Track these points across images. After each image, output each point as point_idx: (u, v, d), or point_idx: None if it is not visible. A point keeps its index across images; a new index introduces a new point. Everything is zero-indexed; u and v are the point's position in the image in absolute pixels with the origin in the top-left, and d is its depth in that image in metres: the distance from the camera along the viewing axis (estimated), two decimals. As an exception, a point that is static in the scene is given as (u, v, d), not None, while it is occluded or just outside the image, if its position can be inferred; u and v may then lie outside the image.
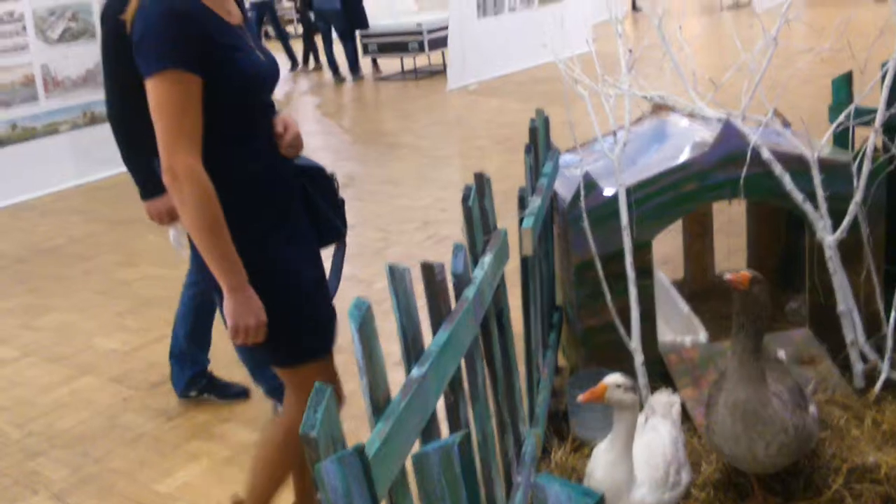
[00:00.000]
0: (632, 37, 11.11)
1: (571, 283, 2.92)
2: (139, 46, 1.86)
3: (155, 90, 1.85)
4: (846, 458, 2.28)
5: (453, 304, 1.72)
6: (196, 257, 2.02)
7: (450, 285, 1.72)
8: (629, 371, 2.75)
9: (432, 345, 1.52)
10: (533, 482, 0.88)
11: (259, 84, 2.03)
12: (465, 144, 7.71)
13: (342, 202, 2.22)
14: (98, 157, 7.21)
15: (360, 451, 1.01)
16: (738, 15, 14.32)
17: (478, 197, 2.03)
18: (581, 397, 2.15)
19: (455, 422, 1.69)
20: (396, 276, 1.43)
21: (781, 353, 2.58)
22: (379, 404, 1.29)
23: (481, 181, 2.07)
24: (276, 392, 3.17)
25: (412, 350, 1.47)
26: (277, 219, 2.04)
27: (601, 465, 2.17)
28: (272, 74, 2.07)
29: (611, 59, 3.03)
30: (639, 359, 2.75)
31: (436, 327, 1.60)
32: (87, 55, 7.38)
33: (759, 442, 2.02)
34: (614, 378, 2.13)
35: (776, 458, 2.05)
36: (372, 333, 1.29)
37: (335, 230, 2.20)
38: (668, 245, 4.23)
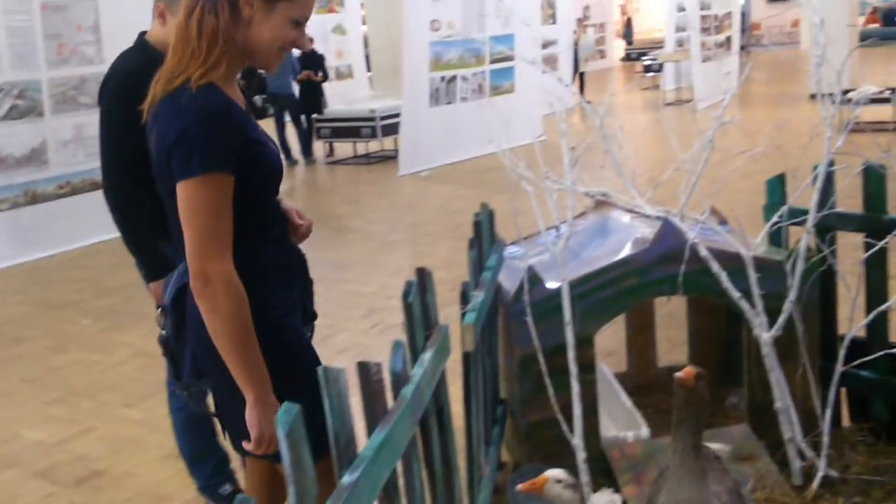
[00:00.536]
0: (581, 130, 11.40)
1: (515, 377, 2.92)
2: (176, 147, 1.80)
3: (192, 193, 1.79)
4: (785, 559, 2.28)
5: (391, 403, 1.70)
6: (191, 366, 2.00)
7: (388, 384, 1.71)
8: (572, 467, 2.73)
9: (366, 448, 1.49)
10: None
11: (281, 174, 2.03)
12: (415, 230, 7.76)
13: (311, 282, 2.22)
14: (37, 236, 7.10)
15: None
16: (680, 111, 14.82)
17: (419, 292, 2.04)
18: (520, 486, 2.14)
19: (390, 526, 1.65)
20: (330, 379, 1.42)
21: (721, 448, 2.59)
22: (307, 513, 1.26)
23: (423, 276, 2.08)
24: (208, 489, 3.08)
25: (344, 455, 1.45)
26: (294, 308, 2.04)
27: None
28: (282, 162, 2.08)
29: (559, 151, 3.10)
30: (581, 455, 2.74)
31: (371, 429, 1.58)
32: (32, 133, 7.34)
33: None
34: (556, 473, 2.12)
35: (716, 559, 2.04)
36: (301, 439, 1.26)
37: (312, 314, 2.19)
38: (612, 338, 4.27)
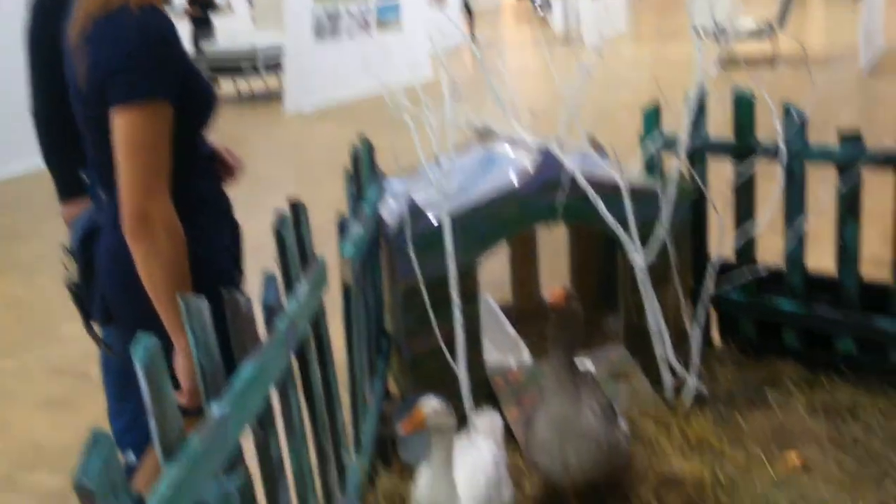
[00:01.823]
0: (469, 67, 11.35)
1: (399, 310, 2.92)
2: (118, 72, 1.64)
3: (134, 123, 1.65)
4: (655, 468, 2.39)
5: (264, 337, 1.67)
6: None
7: (260, 317, 1.68)
8: (457, 395, 2.78)
9: (235, 380, 1.46)
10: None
11: (216, 106, 1.90)
12: (300, 170, 7.62)
13: (239, 231, 2.15)
14: None
15: (138, 501, 0.95)
16: (569, 48, 14.96)
17: (293, 225, 2.00)
18: (402, 430, 2.16)
19: (266, 459, 1.64)
20: (192, 312, 1.38)
21: (590, 366, 2.68)
22: (170, 447, 1.23)
23: (296, 209, 2.03)
24: (119, 446, 2.95)
25: (212, 387, 1.42)
26: (223, 251, 1.96)
27: (422, 487, 2.17)
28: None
29: (455, 88, 3.07)
30: (465, 383, 2.78)
31: (241, 361, 1.55)
32: None
33: (573, 455, 2.07)
34: (431, 404, 2.15)
35: (588, 472, 2.12)
36: (160, 373, 1.22)
37: (241, 270, 2.14)
38: (496, 270, 4.33)
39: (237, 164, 2.07)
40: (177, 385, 1.73)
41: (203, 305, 1.39)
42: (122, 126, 1.67)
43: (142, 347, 1.20)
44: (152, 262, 1.69)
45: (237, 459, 1.44)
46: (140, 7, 1.69)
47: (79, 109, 1.81)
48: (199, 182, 1.90)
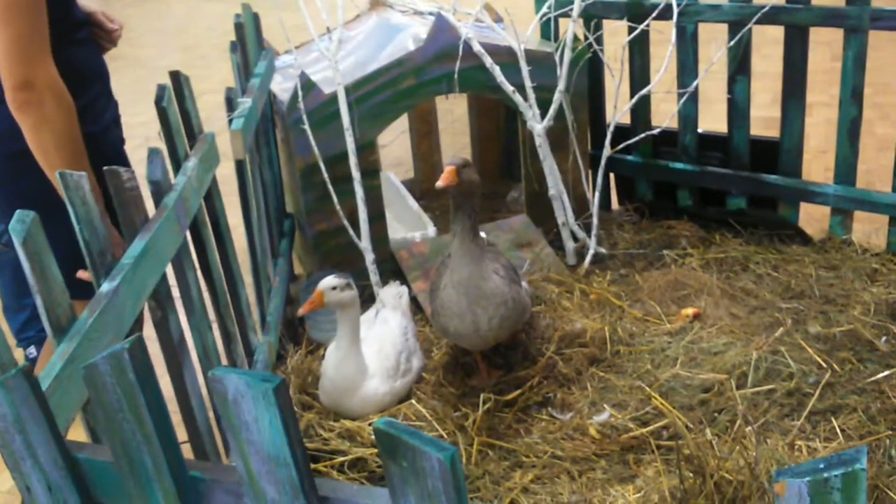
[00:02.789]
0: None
1: (298, 189, 2.87)
2: None
3: None
4: (558, 327, 2.46)
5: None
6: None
7: (147, 193, 1.61)
8: (362, 271, 2.78)
9: (125, 256, 1.41)
10: (209, 375, 0.84)
11: None
12: (187, 53, 7.28)
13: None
14: None
15: (25, 371, 0.92)
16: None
17: (176, 99, 1.91)
18: (301, 311, 2.16)
19: (166, 336, 1.61)
20: (71, 185, 1.30)
21: (484, 235, 2.71)
22: (60, 324, 1.19)
23: (177, 80, 1.93)
24: (19, 344, 2.82)
25: (100, 264, 1.36)
26: (113, 120, 1.89)
27: (331, 363, 2.19)
28: None
29: None
30: (369, 257, 2.77)
31: (130, 238, 1.50)
32: None
33: (482, 315, 2.11)
34: (328, 281, 2.14)
35: (498, 331, 2.16)
36: (41, 247, 1.17)
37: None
38: (398, 148, 4.29)
39: (115, 28, 1.94)
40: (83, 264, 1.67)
41: (83, 178, 1.32)
42: None
43: (19, 222, 1.13)
44: (44, 131, 1.60)
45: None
46: None
47: None
48: (78, 50, 1.78)
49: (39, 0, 1.57)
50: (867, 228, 2.99)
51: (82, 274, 1.62)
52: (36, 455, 0.98)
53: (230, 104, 2.33)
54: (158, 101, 1.79)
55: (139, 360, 0.87)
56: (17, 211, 1.15)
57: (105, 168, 1.46)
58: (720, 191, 3.09)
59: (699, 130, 3.08)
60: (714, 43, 2.92)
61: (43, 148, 1.60)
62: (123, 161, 1.91)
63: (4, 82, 1.57)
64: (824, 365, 2.26)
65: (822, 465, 0.72)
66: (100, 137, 1.80)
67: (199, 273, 1.87)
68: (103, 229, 1.38)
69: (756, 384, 2.20)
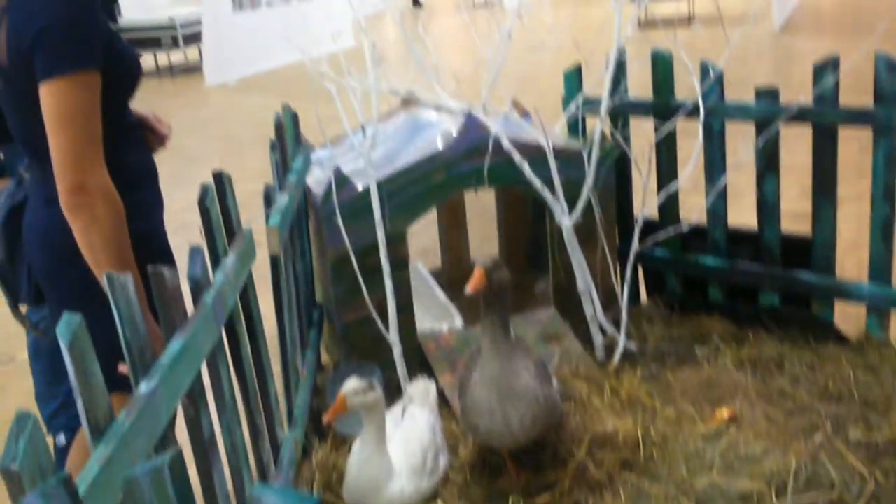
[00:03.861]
0: (392, 35, 11.24)
1: (329, 279, 2.90)
2: (41, 42, 1.57)
3: (62, 94, 1.58)
4: (588, 427, 2.43)
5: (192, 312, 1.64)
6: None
7: (187, 291, 1.64)
8: (389, 362, 2.78)
9: (164, 356, 1.43)
10: (249, 495, 0.85)
11: (141, 71, 1.83)
12: (224, 143, 7.47)
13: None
14: None
15: (64, 480, 0.93)
16: (490, 12, 14.92)
17: (218, 197, 1.96)
18: (326, 418, 2.16)
19: (197, 435, 1.61)
20: (116, 286, 1.34)
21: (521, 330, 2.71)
22: (98, 426, 1.20)
23: (220, 180, 1.99)
24: (49, 430, 2.83)
25: (140, 364, 1.38)
26: (161, 217, 1.95)
27: (356, 462, 2.18)
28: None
29: (377, 53, 3.03)
30: (397, 350, 2.78)
31: (169, 337, 1.52)
32: None
33: (513, 414, 2.10)
34: (351, 386, 2.15)
35: (529, 430, 2.14)
36: (86, 351, 1.19)
37: None
38: (426, 237, 4.34)
39: (165, 130, 2.01)
40: (113, 363, 1.69)
41: (128, 280, 1.36)
42: (53, 99, 1.61)
43: (66, 325, 1.16)
44: (93, 233, 1.65)
45: (168, 436, 1.42)
46: None
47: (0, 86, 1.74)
48: (130, 153, 1.86)
49: (95, 107, 1.64)
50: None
51: (123, 368, 1.64)
52: (71, 562, 0.97)
53: (268, 200, 2.38)
54: (202, 201, 1.84)
55: (179, 475, 0.88)
56: (65, 313, 1.18)
57: (149, 268, 1.49)
58: (752, 287, 3.08)
59: (728, 225, 3.09)
60: (742, 137, 2.96)
61: (91, 248, 1.66)
62: (169, 257, 1.96)
63: (59, 184, 1.64)
64: (867, 475, 2.19)
65: None
66: (148, 235, 1.86)
67: (231, 369, 1.89)
68: (144, 329, 1.41)
69: (796, 493, 2.13)
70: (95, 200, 1.64)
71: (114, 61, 1.71)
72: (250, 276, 2.09)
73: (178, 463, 0.87)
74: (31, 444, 1.00)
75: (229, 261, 1.88)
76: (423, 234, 4.45)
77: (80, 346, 1.18)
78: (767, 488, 2.14)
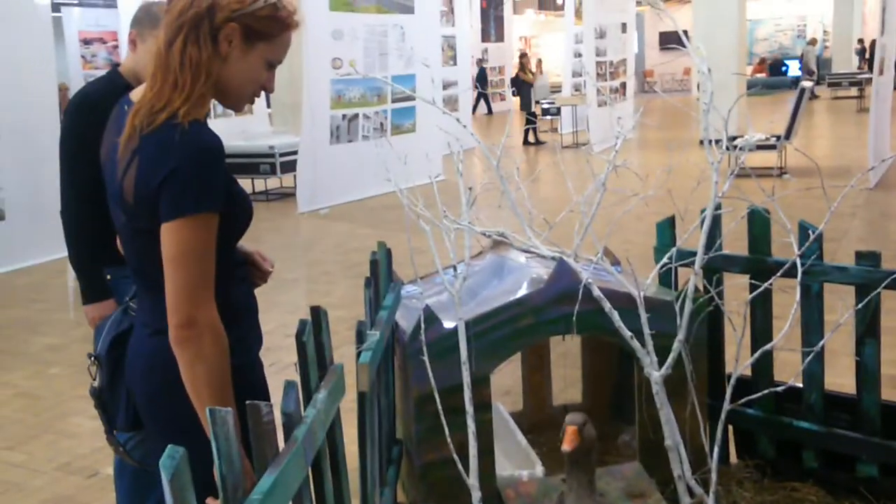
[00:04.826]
0: (480, 171, 11.56)
1: (411, 417, 2.89)
2: (167, 185, 1.68)
3: (184, 233, 1.68)
4: None
5: (282, 446, 1.65)
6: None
7: (279, 426, 1.66)
8: (467, 506, 2.72)
9: (254, 492, 1.44)
10: None
11: (252, 213, 1.95)
12: (312, 269, 7.67)
13: None
14: None
15: None
16: (577, 153, 15.25)
17: (313, 331, 2.00)
18: None
19: (279, 574, 1.59)
20: (218, 421, 1.36)
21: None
22: (190, 562, 1.20)
23: (317, 315, 2.04)
24: None
25: (232, 500, 1.39)
26: (259, 350, 2.01)
27: None
28: None
29: (457, 191, 3.11)
30: (476, 495, 2.71)
31: (261, 472, 1.53)
32: None
33: None
34: None
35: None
36: (186, 485, 1.21)
37: None
38: (508, 377, 4.29)
39: (268, 267, 2.09)
40: (204, 496, 1.70)
41: (229, 416, 1.38)
42: (173, 238, 1.70)
43: (169, 457, 1.18)
44: (198, 366, 1.71)
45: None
46: (189, 122, 1.73)
47: (121, 219, 1.84)
48: (236, 289, 1.93)
49: (212, 246, 1.73)
50: None
51: (212, 502, 1.66)
52: None
53: (360, 336, 2.42)
54: (299, 336, 1.88)
55: None
56: (169, 446, 1.21)
57: (248, 403, 1.52)
58: (849, 455, 2.94)
59: (826, 389, 2.99)
60: (841, 296, 2.89)
61: (195, 381, 1.71)
62: (265, 391, 1.99)
63: (171, 318, 1.70)
64: None
65: None
66: (248, 369, 1.90)
67: (314, 505, 1.88)
68: (239, 465, 1.42)
69: None
70: (204, 335, 1.70)
71: (231, 204, 1.80)
72: (338, 413, 2.10)
73: None
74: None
75: (321, 396, 1.90)
76: (505, 375, 4.42)
77: (181, 479, 1.20)
78: None
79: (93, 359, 2.05)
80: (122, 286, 2.58)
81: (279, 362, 5.01)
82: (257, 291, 2.08)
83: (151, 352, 1.84)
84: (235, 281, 1.93)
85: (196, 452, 1.52)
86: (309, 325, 1.95)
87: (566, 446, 1.99)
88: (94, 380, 2.01)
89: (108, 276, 2.78)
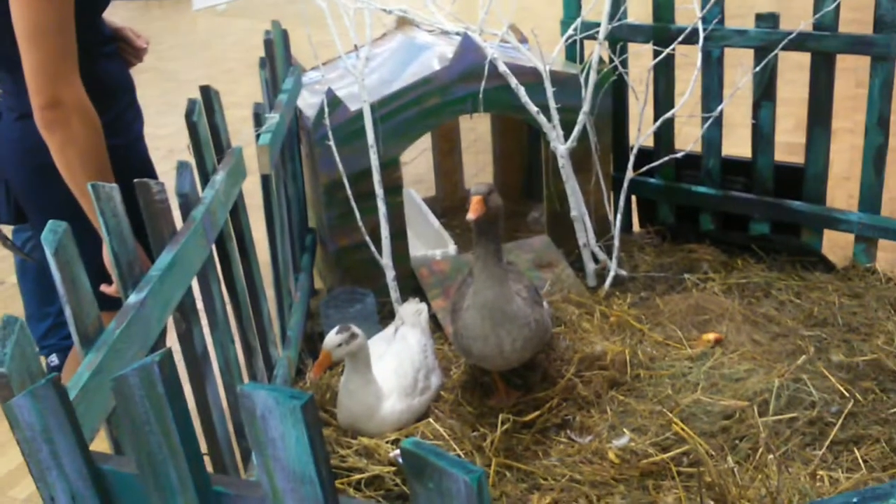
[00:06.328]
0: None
1: (321, 204, 2.88)
2: None
3: (32, 6, 1.51)
4: (577, 349, 2.45)
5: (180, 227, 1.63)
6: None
7: (176, 206, 1.62)
8: (382, 288, 2.78)
9: (153, 269, 1.42)
10: (238, 390, 0.85)
11: None
12: (213, 68, 7.34)
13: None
14: None
15: (54, 382, 0.92)
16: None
17: (206, 113, 1.92)
18: (312, 374, 2.21)
19: (189, 349, 1.61)
20: (102, 197, 1.32)
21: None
22: (88, 334, 1.20)
23: (208, 94, 1.95)
24: (41, 351, 2.85)
25: (129, 277, 1.38)
26: (140, 133, 1.91)
27: (346, 393, 2.20)
28: None
29: None
30: (390, 274, 2.78)
31: (158, 250, 1.51)
32: None
33: (506, 338, 2.11)
34: (332, 340, 2.15)
35: (521, 353, 2.16)
36: (72, 257, 1.18)
37: None
38: (420, 165, 4.30)
39: (142, 44, 1.96)
40: (106, 277, 1.67)
41: (114, 191, 1.34)
42: (24, 11, 1.54)
43: (50, 232, 1.14)
44: (69, 150, 1.60)
45: (160, 348, 1.41)
46: None
47: None
48: (106, 65, 1.80)
49: (68, 20, 1.58)
50: (892, 257, 2.96)
51: (106, 289, 1.64)
52: (62, 465, 0.98)
53: (258, 119, 2.35)
54: (189, 115, 1.80)
55: (168, 373, 0.88)
56: (50, 221, 1.17)
57: (136, 181, 1.47)
58: (743, 216, 3.08)
59: (723, 155, 3.07)
60: (739, 67, 2.92)
61: (68, 165, 1.61)
62: (151, 172, 1.93)
63: (33, 101, 1.58)
64: (847, 394, 2.24)
65: (855, 500, 0.72)
66: (128, 149, 1.82)
67: (223, 286, 1.88)
68: (132, 242, 1.40)
69: (778, 412, 2.18)
70: (71, 116, 1.58)
71: None
72: (241, 197, 2.07)
73: (168, 362, 0.87)
74: (18, 348, 1.00)
75: (219, 178, 1.85)
76: (418, 162, 4.42)
77: (65, 252, 1.17)
78: (750, 406, 2.19)
79: None
80: None
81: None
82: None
83: (20, 136, 1.73)
84: (104, 57, 1.81)
85: (83, 243, 1.48)
86: (199, 105, 1.87)
87: (471, 215, 2.01)
88: None
89: None
